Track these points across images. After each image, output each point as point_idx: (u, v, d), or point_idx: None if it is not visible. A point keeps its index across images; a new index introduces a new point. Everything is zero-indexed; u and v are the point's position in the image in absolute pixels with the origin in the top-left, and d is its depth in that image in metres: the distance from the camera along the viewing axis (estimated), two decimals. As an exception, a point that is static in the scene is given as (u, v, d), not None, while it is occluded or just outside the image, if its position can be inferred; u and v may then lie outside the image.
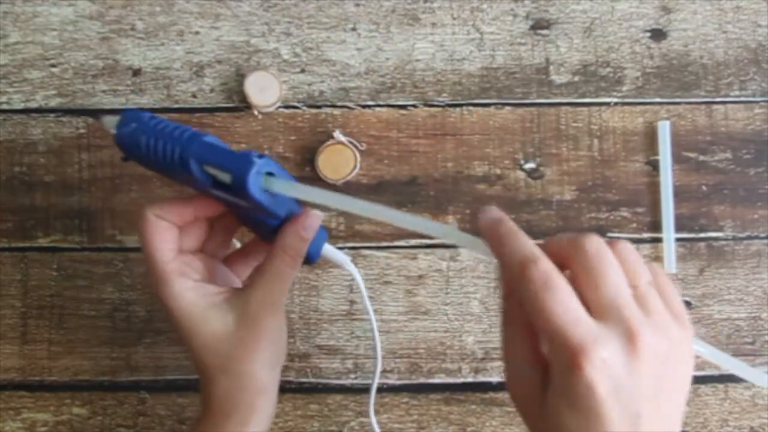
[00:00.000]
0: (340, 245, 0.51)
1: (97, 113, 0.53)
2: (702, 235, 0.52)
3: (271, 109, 0.52)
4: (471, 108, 0.53)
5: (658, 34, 0.54)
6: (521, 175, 0.53)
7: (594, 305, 0.30)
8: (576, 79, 0.53)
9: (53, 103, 0.53)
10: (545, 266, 0.30)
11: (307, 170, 0.52)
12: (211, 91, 0.53)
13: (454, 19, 0.53)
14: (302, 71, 0.53)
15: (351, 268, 0.42)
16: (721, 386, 0.51)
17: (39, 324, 0.51)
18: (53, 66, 0.53)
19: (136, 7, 0.53)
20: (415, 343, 0.51)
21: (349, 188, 0.52)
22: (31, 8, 0.53)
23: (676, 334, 0.30)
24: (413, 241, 0.52)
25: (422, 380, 0.51)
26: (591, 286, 0.30)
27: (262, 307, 0.38)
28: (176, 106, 0.53)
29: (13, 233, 0.52)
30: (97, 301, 0.52)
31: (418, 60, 0.53)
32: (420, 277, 0.52)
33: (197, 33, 0.53)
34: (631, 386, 0.28)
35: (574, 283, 0.30)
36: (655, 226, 0.52)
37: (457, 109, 0.53)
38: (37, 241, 0.52)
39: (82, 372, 0.51)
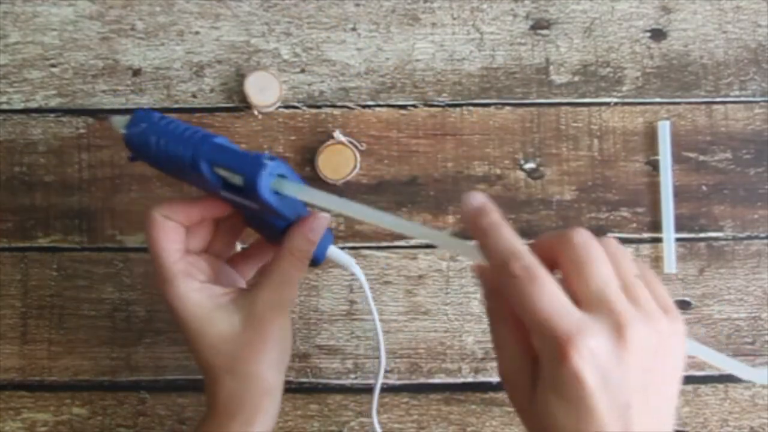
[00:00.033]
0: (341, 245, 0.51)
1: (97, 113, 0.53)
2: (702, 235, 0.52)
3: (271, 109, 0.52)
4: (471, 108, 0.53)
5: (658, 34, 0.54)
6: (521, 175, 0.53)
7: (582, 297, 0.30)
8: (576, 79, 0.53)
9: (53, 103, 0.53)
10: (528, 260, 0.29)
11: (307, 170, 0.52)
12: (211, 91, 0.53)
13: (454, 19, 0.53)
14: (302, 71, 0.53)
15: (356, 270, 0.42)
16: (721, 386, 0.51)
17: (39, 324, 0.51)
18: (53, 66, 0.53)
19: (136, 7, 0.53)
20: (415, 343, 0.51)
21: (349, 188, 0.52)
22: (31, 8, 0.53)
23: (665, 326, 0.30)
24: (413, 241, 0.52)
25: (422, 380, 0.51)
26: (579, 277, 0.30)
27: (269, 309, 0.38)
28: (176, 106, 0.53)
29: (13, 233, 0.52)
30: (97, 301, 0.52)
31: (418, 60, 0.53)
32: (420, 277, 0.52)
33: (197, 33, 0.53)
34: (619, 377, 0.28)
35: (563, 276, 0.30)
36: (655, 226, 0.52)
37: (457, 109, 0.53)
38: (37, 241, 0.52)
39: (82, 372, 0.51)
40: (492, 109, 0.53)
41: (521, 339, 0.31)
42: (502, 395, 0.51)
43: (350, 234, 0.52)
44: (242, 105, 0.53)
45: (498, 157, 0.53)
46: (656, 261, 0.52)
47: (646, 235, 0.52)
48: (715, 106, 0.53)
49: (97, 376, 0.51)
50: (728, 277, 0.52)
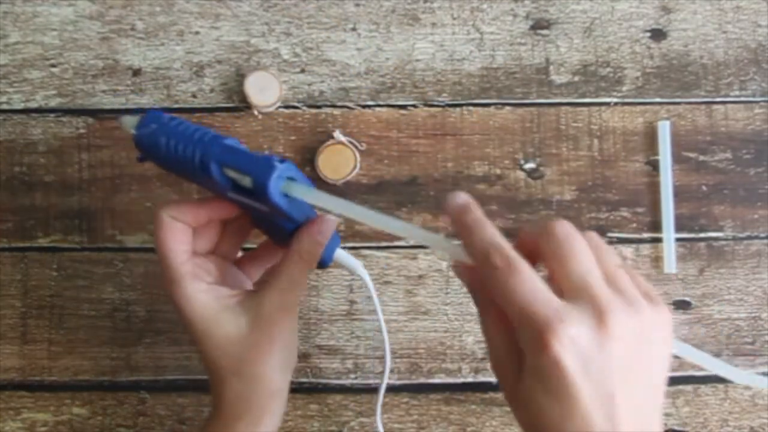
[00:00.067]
0: (341, 245, 0.51)
1: (97, 113, 0.53)
2: (702, 235, 0.52)
3: (271, 109, 0.52)
4: (471, 108, 0.53)
5: (658, 34, 0.54)
6: (521, 175, 0.53)
7: (564, 286, 0.30)
8: (576, 79, 0.53)
9: (53, 103, 0.53)
10: (509, 252, 0.30)
11: (307, 170, 0.52)
12: (211, 91, 0.53)
13: (454, 19, 0.53)
14: (302, 71, 0.53)
15: (363, 273, 0.41)
16: (721, 386, 0.51)
17: (39, 324, 0.51)
18: (53, 66, 0.53)
19: (136, 7, 0.53)
20: (415, 343, 0.51)
21: (349, 188, 0.52)
22: (31, 8, 0.53)
23: (648, 314, 0.30)
24: (413, 241, 0.52)
25: (422, 380, 0.51)
26: (560, 267, 0.30)
27: (276, 310, 0.38)
28: (176, 106, 0.53)
29: (13, 233, 0.52)
30: (97, 301, 0.52)
31: (418, 60, 0.53)
32: (420, 277, 0.52)
33: (197, 33, 0.53)
34: (601, 364, 0.28)
35: (546, 267, 0.30)
36: (655, 226, 0.52)
37: (457, 109, 0.53)
38: (37, 241, 0.52)
39: (82, 372, 0.51)
40: (492, 109, 0.53)
41: (507, 330, 0.31)
42: (502, 395, 0.51)
43: (350, 234, 0.52)
44: (242, 105, 0.53)
45: (498, 157, 0.53)
46: (656, 261, 0.52)
47: (646, 235, 0.52)
48: (715, 106, 0.53)
49: (97, 376, 0.51)
50: (728, 277, 0.52)
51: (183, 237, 0.38)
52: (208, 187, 0.37)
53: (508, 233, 0.34)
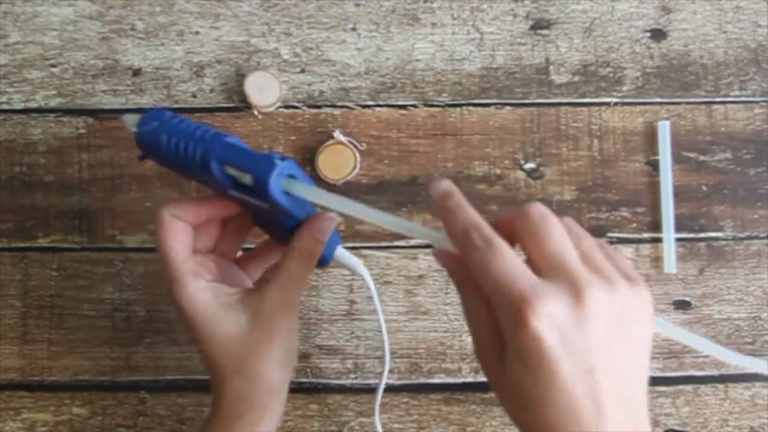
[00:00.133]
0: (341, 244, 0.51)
1: (97, 113, 0.53)
2: (702, 235, 0.52)
3: (271, 109, 0.52)
4: (471, 108, 0.53)
5: (658, 34, 0.54)
6: (521, 175, 0.53)
7: (540, 265, 0.30)
8: (576, 79, 0.53)
9: (53, 103, 0.53)
10: (488, 232, 0.30)
11: (307, 170, 0.52)
12: (211, 91, 0.53)
13: (454, 19, 0.53)
14: (302, 71, 0.53)
15: (363, 272, 0.41)
16: (721, 386, 0.51)
17: (39, 324, 0.51)
18: (53, 66, 0.53)
19: (136, 7, 0.53)
20: (415, 343, 0.51)
21: (349, 188, 0.52)
22: (31, 8, 0.53)
23: (626, 291, 0.30)
24: (413, 241, 0.52)
25: (422, 380, 0.51)
26: (536, 247, 0.30)
27: (276, 308, 0.38)
28: (176, 106, 0.53)
29: (13, 233, 0.52)
30: (97, 301, 0.52)
31: (418, 60, 0.53)
32: (420, 277, 0.52)
33: (197, 33, 0.53)
34: (579, 340, 0.28)
35: (522, 248, 0.31)
36: (655, 226, 0.52)
37: (457, 109, 0.53)
38: (37, 241, 0.52)
39: (82, 372, 0.51)
40: (492, 109, 0.53)
41: (489, 315, 0.32)
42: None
43: (350, 234, 0.52)
44: (242, 105, 0.53)
45: (498, 157, 0.53)
46: (656, 261, 0.52)
47: (646, 235, 0.52)
48: (715, 106, 0.53)
49: (97, 376, 0.51)
50: (728, 277, 0.52)
51: (183, 235, 0.38)
52: (209, 184, 0.37)
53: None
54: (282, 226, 0.39)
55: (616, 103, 0.53)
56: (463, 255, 0.31)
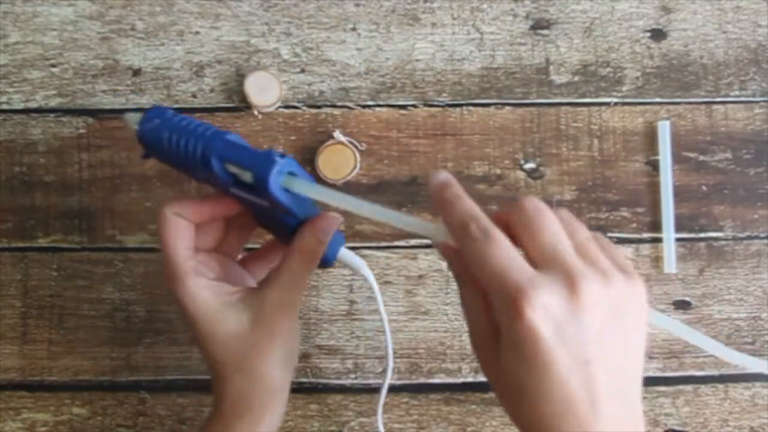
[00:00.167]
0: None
1: (97, 113, 0.53)
2: (702, 235, 0.52)
3: (271, 109, 0.52)
4: (471, 108, 0.53)
5: (658, 34, 0.54)
6: (521, 175, 0.53)
7: (535, 256, 0.30)
8: (576, 79, 0.53)
9: (53, 103, 0.53)
10: (485, 223, 0.30)
11: (307, 170, 0.52)
12: (211, 91, 0.53)
13: (454, 19, 0.53)
14: (302, 71, 0.53)
15: (367, 273, 0.41)
16: (721, 386, 0.51)
17: (39, 324, 0.51)
18: (53, 66, 0.53)
19: (136, 7, 0.53)
20: (415, 343, 0.51)
21: (349, 188, 0.52)
22: (31, 8, 0.53)
23: (621, 284, 0.30)
24: (413, 241, 0.52)
25: (422, 380, 0.51)
26: (531, 239, 0.30)
27: (277, 308, 0.38)
28: (176, 106, 0.53)
29: (13, 233, 0.52)
30: (97, 301, 0.52)
31: (418, 60, 0.53)
32: (420, 277, 0.52)
33: (197, 33, 0.53)
34: (574, 331, 0.28)
35: (517, 241, 0.31)
36: (655, 226, 0.52)
37: (457, 109, 0.53)
38: (37, 241, 0.52)
39: (82, 372, 0.51)
40: (492, 109, 0.53)
41: (486, 307, 0.32)
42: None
43: (351, 234, 0.52)
44: (242, 105, 0.53)
45: (498, 157, 0.53)
46: (656, 261, 0.52)
47: (646, 235, 0.52)
48: (715, 106, 0.53)
49: (97, 376, 0.51)
50: (728, 277, 0.52)
51: (185, 233, 0.38)
52: (211, 182, 0.38)
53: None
54: (285, 225, 0.39)
55: (616, 103, 0.53)
56: (461, 246, 0.31)
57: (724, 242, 0.52)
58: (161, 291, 0.52)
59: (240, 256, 0.44)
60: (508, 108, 0.53)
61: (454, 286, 0.52)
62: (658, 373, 0.51)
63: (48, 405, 0.51)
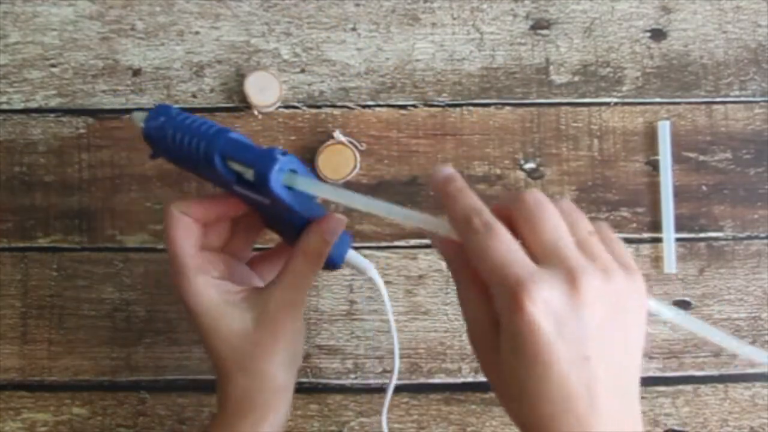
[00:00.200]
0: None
1: (97, 113, 0.53)
2: (702, 235, 0.52)
3: (271, 109, 0.52)
4: (471, 108, 0.53)
5: (658, 34, 0.54)
6: (521, 175, 0.53)
7: (536, 251, 0.30)
8: (576, 79, 0.53)
9: (53, 103, 0.53)
10: (487, 216, 0.30)
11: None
12: (211, 91, 0.53)
13: (454, 19, 0.53)
14: (302, 71, 0.53)
15: (375, 275, 0.41)
16: (721, 386, 0.51)
17: (39, 324, 0.51)
18: (53, 66, 0.53)
19: (136, 7, 0.53)
20: (415, 343, 0.51)
21: (349, 188, 0.52)
22: (31, 8, 0.53)
23: (622, 281, 0.30)
24: (413, 241, 0.52)
25: (422, 380, 0.51)
26: (532, 233, 0.30)
27: (281, 308, 0.38)
28: (176, 106, 0.52)
29: (13, 233, 0.52)
30: (97, 301, 0.52)
31: (418, 60, 0.53)
32: (420, 277, 0.52)
33: (197, 33, 0.53)
34: (575, 327, 0.28)
35: (519, 235, 0.31)
36: (655, 226, 0.52)
37: (457, 109, 0.53)
38: (37, 241, 0.52)
39: (82, 372, 0.51)
40: (492, 109, 0.53)
41: (484, 300, 0.32)
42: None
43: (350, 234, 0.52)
44: (242, 105, 0.53)
45: (498, 157, 0.53)
46: (656, 261, 0.52)
47: (646, 235, 0.52)
48: (715, 106, 0.53)
49: (97, 376, 0.51)
50: (728, 277, 0.52)
51: (192, 232, 0.38)
52: (215, 181, 0.38)
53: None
54: (291, 226, 0.39)
55: (616, 103, 0.53)
56: (463, 239, 0.31)
57: (724, 242, 0.52)
58: (161, 291, 0.52)
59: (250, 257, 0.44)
60: (508, 108, 0.53)
61: (454, 286, 0.51)
62: (658, 373, 0.51)
63: (48, 405, 0.51)
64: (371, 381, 0.51)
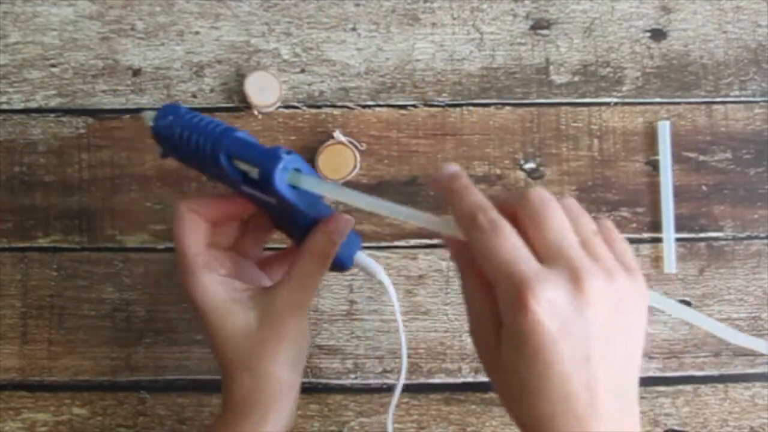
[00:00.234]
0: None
1: (97, 113, 0.53)
2: (702, 235, 0.52)
3: (271, 109, 0.52)
4: (471, 108, 0.53)
5: (658, 34, 0.54)
6: (521, 175, 0.53)
7: (540, 251, 0.30)
8: (576, 79, 0.53)
9: (53, 103, 0.53)
10: (493, 214, 0.31)
11: (307, 170, 0.52)
12: (211, 91, 0.53)
13: (454, 19, 0.53)
14: (302, 71, 0.53)
15: (384, 278, 0.41)
16: (721, 386, 0.51)
17: (39, 324, 0.51)
18: (53, 66, 0.53)
19: (136, 7, 0.53)
20: (415, 343, 0.51)
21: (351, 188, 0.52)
22: (31, 8, 0.53)
23: (624, 281, 0.30)
24: (413, 241, 0.52)
25: (422, 380, 0.51)
26: (536, 232, 0.30)
27: (287, 308, 0.38)
28: (176, 106, 0.52)
29: (13, 233, 0.52)
30: (97, 301, 0.52)
31: (418, 60, 0.53)
32: (420, 277, 0.52)
33: (197, 33, 0.53)
34: (578, 327, 0.28)
35: (522, 233, 0.31)
36: (655, 226, 0.52)
37: (457, 109, 0.53)
38: (37, 241, 0.52)
39: (82, 372, 0.51)
40: (492, 109, 0.53)
41: (488, 297, 0.32)
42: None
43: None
44: (242, 105, 0.53)
45: (498, 157, 0.53)
46: (656, 261, 0.52)
47: (646, 235, 0.52)
48: (715, 106, 0.53)
49: (97, 376, 0.51)
50: (728, 277, 0.52)
51: (199, 229, 0.39)
52: (223, 181, 0.38)
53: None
54: (298, 226, 0.39)
55: (616, 103, 0.53)
56: (468, 237, 0.31)
57: (724, 242, 0.52)
58: (161, 291, 0.52)
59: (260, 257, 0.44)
60: (508, 108, 0.53)
61: (454, 286, 0.52)
62: (658, 373, 0.51)
63: (48, 405, 0.51)
64: (371, 381, 0.51)
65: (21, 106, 0.53)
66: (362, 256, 0.41)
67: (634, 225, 0.52)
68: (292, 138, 0.52)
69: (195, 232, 0.38)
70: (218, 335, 0.38)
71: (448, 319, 0.52)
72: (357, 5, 0.53)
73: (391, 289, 0.41)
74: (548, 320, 0.28)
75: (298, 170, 0.36)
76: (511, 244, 0.29)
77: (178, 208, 0.38)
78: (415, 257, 0.52)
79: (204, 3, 0.53)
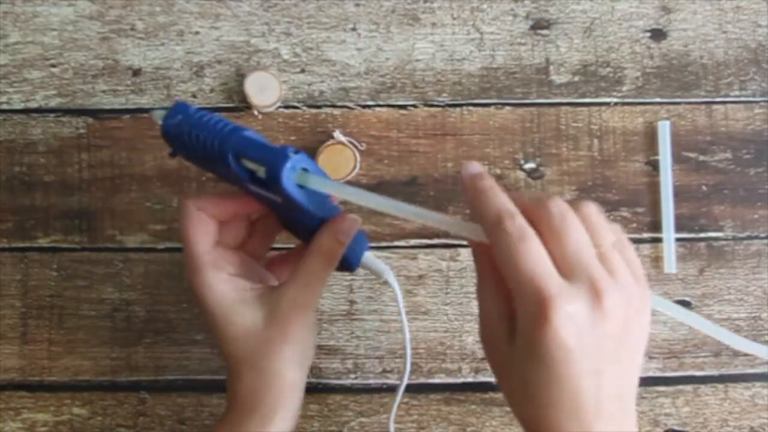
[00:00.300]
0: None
1: (97, 113, 0.53)
2: (702, 235, 0.52)
3: (271, 109, 0.52)
4: (471, 108, 0.53)
5: (658, 34, 0.54)
6: (521, 175, 0.53)
7: (560, 264, 0.30)
8: (576, 79, 0.53)
9: (53, 103, 0.53)
10: (521, 221, 0.31)
11: (307, 170, 0.52)
12: (211, 91, 0.53)
13: (454, 19, 0.53)
14: (302, 71, 0.53)
15: (390, 279, 0.41)
16: (721, 386, 0.51)
17: (39, 324, 0.51)
18: (53, 66, 0.53)
19: (136, 7, 0.53)
20: (415, 343, 0.51)
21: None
22: (31, 8, 0.53)
23: (635, 291, 0.31)
24: (413, 241, 0.52)
25: (422, 380, 0.51)
26: (556, 244, 0.30)
27: (293, 307, 0.38)
28: (176, 106, 0.52)
29: (13, 233, 0.52)
30: (97, 301, 0.52)
31: (418, 60, 0.53)
32: (420, 277, 0.52)
33: (197, 33, 0.53)
34: (595, 342, 0.29)
35: (541, 241, 0.31)
36: (655, 226, 0.52)
37: (457, 109, 0.53)
38: (37, 241, 0.52)
39: (82, 372, 0.51)
40: (492, 109, 0.53)
41: (502, 297, 0.32)
42: (502, 395, 0.51)
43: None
44: (242, 105, 0.53)
45: (498, 157, 0.53)
46: (656, 261, 0.52)
47: (646, 235, 0.52)
48: (715, 106, 0.53)
49: (97, 376, 0.51)
50: (728, 277, 0.52)
51: (206, 227, 0.39)
52: (232, 180, 0.38)
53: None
54: (306, 226, 0.39)
55: (616, 103, 0.53)
56: (492, 239, 0.31)
57: (724, 242, 0.52)
58: (161, 291, 0.52)
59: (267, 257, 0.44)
60: (508, 108, 0.53)
61: (454, 286, 0.52)
62: (658, 373, 0.51)
63: (48, 405, 0.51)
64: (371, 381, 0.51)
65: (21, 106, 0.53)
66: (370, 257, 0.41)
67: (634, 225, 0.52)
68: (292, 138, 0.52)
69: (203, 230, 0.38)
70: (224, 334, 0.38)
71: (448, 319, 0.52)
72: (357, 5, 0.53)
73: (398, 290, 0.41)
74: (567, 336, 0.28)
75: (305, 170, 0.36)
76: (536, 255, 0.30)
77: (186, 206, 0.38)
78: (415, 257, 0.52)
79: (204, 3, 0.53)
